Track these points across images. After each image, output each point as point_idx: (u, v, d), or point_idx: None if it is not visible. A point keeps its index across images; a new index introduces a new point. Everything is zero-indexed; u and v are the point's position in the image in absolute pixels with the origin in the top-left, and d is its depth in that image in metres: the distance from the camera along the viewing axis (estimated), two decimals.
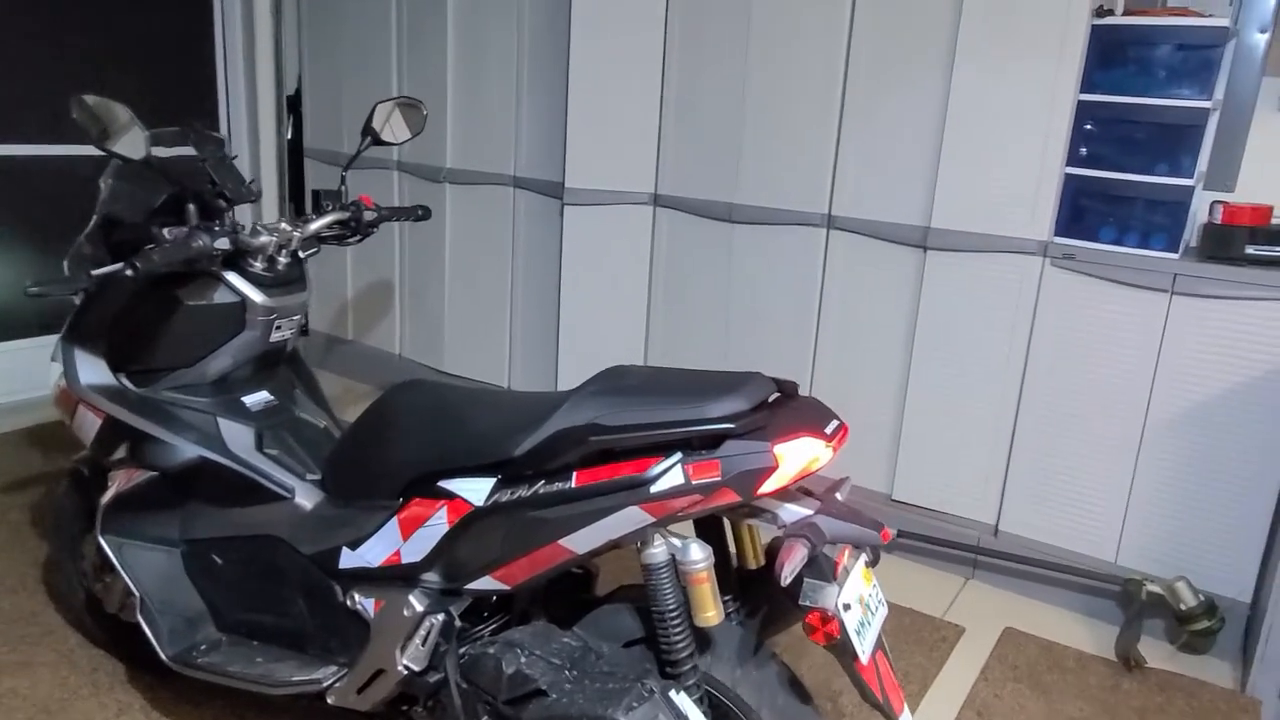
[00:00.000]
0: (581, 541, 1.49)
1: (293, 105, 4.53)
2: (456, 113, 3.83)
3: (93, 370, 1.94)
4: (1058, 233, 2.69)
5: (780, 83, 3.04)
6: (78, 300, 2.00)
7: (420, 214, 2.32)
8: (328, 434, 2.09)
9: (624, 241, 3.47)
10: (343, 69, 4.22)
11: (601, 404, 1.47)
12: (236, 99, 4.47)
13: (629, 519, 1.45)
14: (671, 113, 3.31)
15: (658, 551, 1.46)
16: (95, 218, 2.00)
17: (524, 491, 1.52)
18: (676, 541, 1.46)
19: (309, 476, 1.93)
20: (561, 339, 3.60)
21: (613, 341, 3.56)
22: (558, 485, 1.49)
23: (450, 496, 1.60)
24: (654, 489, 1.42)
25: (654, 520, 1.44)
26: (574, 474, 1.49)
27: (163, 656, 1.89)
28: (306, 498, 1.89)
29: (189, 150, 1.95)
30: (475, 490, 1.57)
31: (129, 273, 1.62)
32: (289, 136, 4.55)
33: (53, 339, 3.65)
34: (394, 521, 1.67)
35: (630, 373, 1.58)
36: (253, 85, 4.43)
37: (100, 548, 1.98)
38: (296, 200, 4.57)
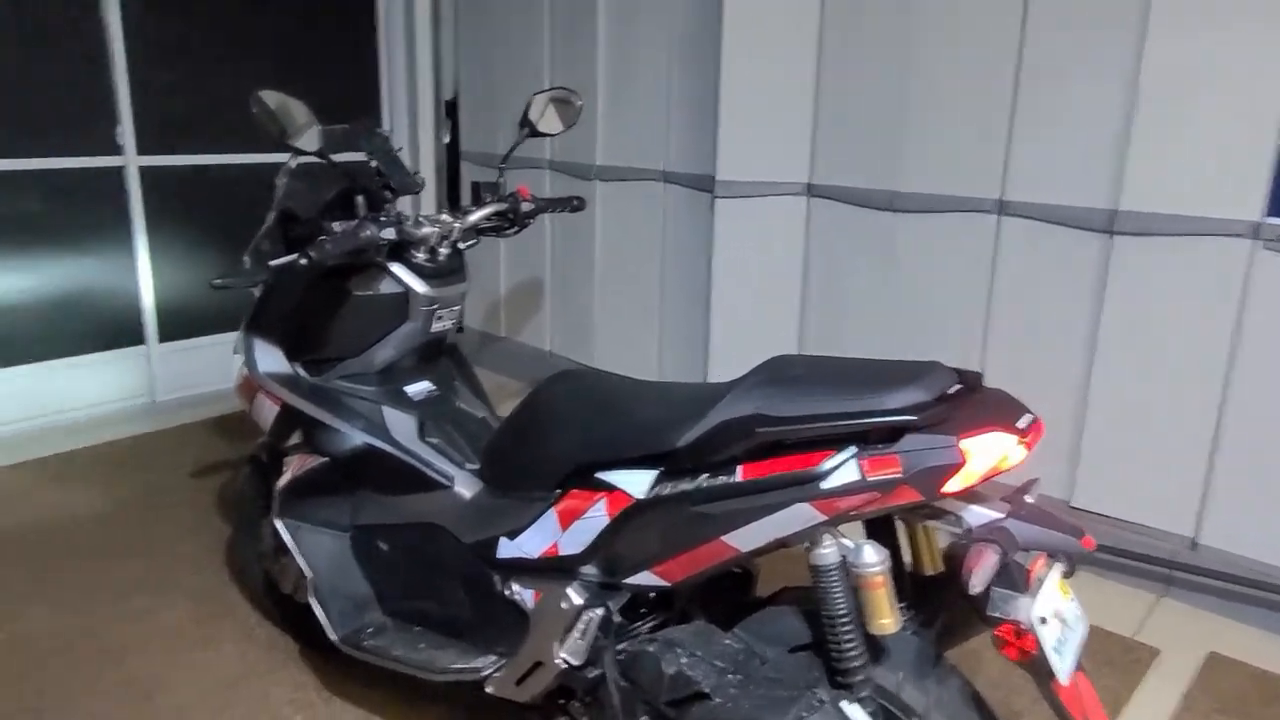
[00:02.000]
0: (746, 539, 1.42)
1: (450, 110, 4.68)
2: (606, 111, 3.83)
3: (271, 359, 2.03)
4: (1270, 213, 2.40)
5: (946, 60, 2.87)
6: (257, 293, 2.09)
7: (575, 204, 2.32)
8: (486, 425, 2.11)
9: (776, 233, 3.37)
10: (497, 74, 4.31)
11: (767, 394, 1.40)
12: (398, 105, 4.65)
13: (797, 516, 1.36)
14: (827, 100, 3.19)
15: (828, 552, 1.36)
16: (272, 214, 2.10)
17: (686, 485, 1.46)
18: (849, 542, 1.36)
19: (468, 466, 1.95)
20: (712, 334, 3.53)
21: (765, 336, 3.46)
22: (722, 479, 1.42)
23: (609, 488, 1.56)
24: (825, 485, 1.33)
25: (824, 519, 1.35)
26: (739, 467, 1.42)
27: (332, 637, 1.95)
28: (466, 487, 1.90)
29: (358, 156, 2.01)
30: (636, 483, 1.52)
31: (303, 262, 1.67)
32: (447, 140, 4.70)
33: (233, 336, 3.92)
34: (552, 513, 1.65)
35: (796, 362, 1.49)
36: (413, 92, 4.60)
37: (276, 530, 2.06)
38: (454, 202, 4.71)
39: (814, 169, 3.28)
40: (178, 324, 4.05)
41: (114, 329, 3.90)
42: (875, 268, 3.16)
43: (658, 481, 1.50)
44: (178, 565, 2.70)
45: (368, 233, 1.76)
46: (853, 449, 1.33)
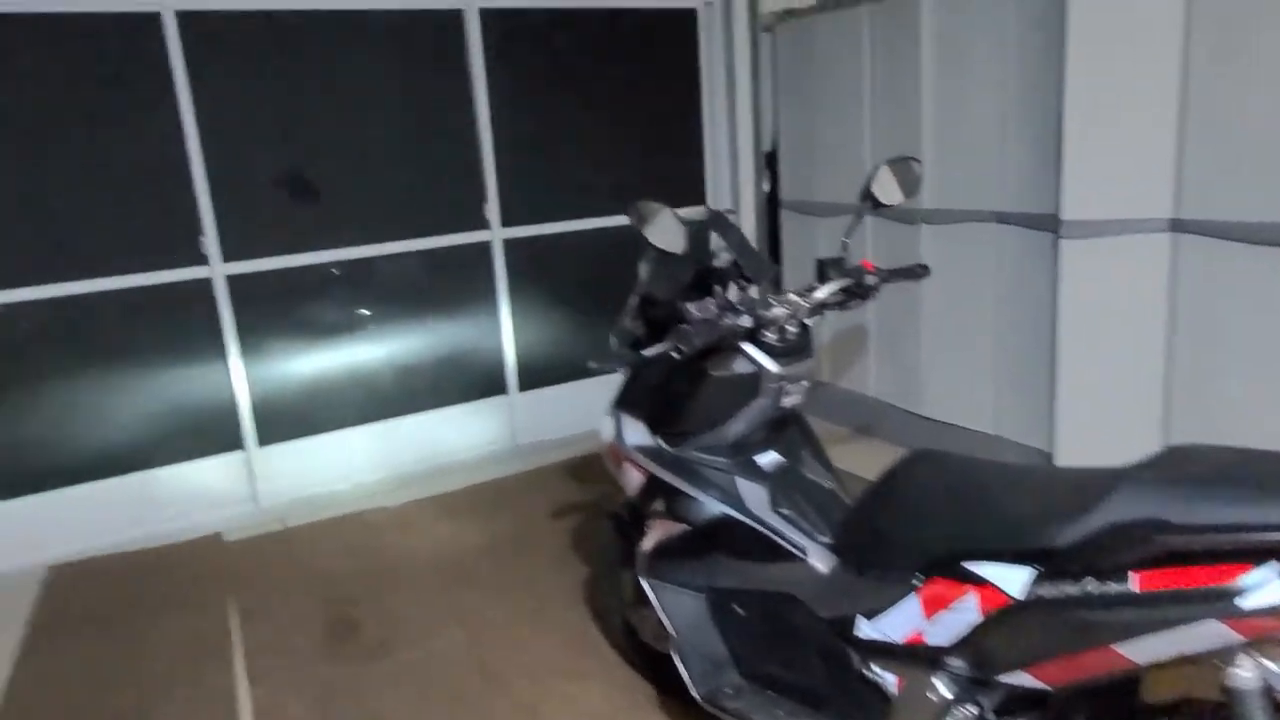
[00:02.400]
0: (1142, 651, 1.32)
1: (769, 161, 4.82)
2: (932, 153, 3.74)
3: (636, 432, 2.23)
4: None
5: None
6: (624, 372, 2.31)
7: (919, 272, 2.29)
8: (834, 496, 2.14)
9: (1134, 277, 3.08)
10: (816, 123, 4.38)
11: (1168, 495, 1.30)
12: (720, 157, 4.88)
13: (1208, 634, 1.25)
14: (1197, 120, 2.86)
15: (1249, 677, 1.24)
16: (634, 298, 2.30)
17: (1071, 589, 1.39)
18: (1275, 667, 1.22)
19: (820, 538, 2.00)
20: (1058, 390, 3.29)
21: (1121, 389, 3.17)
22: (1114, 586, 1.34)
23: (979, 582, 1.53)
24: (1246, 605, 1.21)
25: (1242, 640, 1.23)
26: (1133, 575, 1.33)
27: (694, 694, 2.08)
28: (820, 560, 1.95)
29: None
30: (1010, 580, 1.48)
31: (675, 354, 1.83)
32: (766, 190, 4.84)
33: (579, 384, 4.28)
34: (915, 599, 1.65)
35: (1200, 455, 1.37)
36: (733, 144, 4.80)
37: (638, 584, 2.25)
38: (774, 251, 4.83)
39: (1180, 201, 2.96)
40: (533, 374, 4.55)
41: (483, 381, 4.46)
42: (1269, 320, 2.77)
43: (1036, 581, 1.44)
44: (549, 600, 3.02)
45: (727, 322, 1.88)
46: (1277, 565, 1.20)
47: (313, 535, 3.70)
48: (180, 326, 3.77)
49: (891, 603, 1.70)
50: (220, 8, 3.61)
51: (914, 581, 1.66)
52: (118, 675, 2.77)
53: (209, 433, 3.90)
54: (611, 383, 2.42)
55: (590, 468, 4.09)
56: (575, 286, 4.57)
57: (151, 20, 3.51)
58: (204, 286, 3.77)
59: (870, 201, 2.23)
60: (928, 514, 1.67)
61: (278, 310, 3.95)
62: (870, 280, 2.16)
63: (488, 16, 4.13)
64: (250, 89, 3.76)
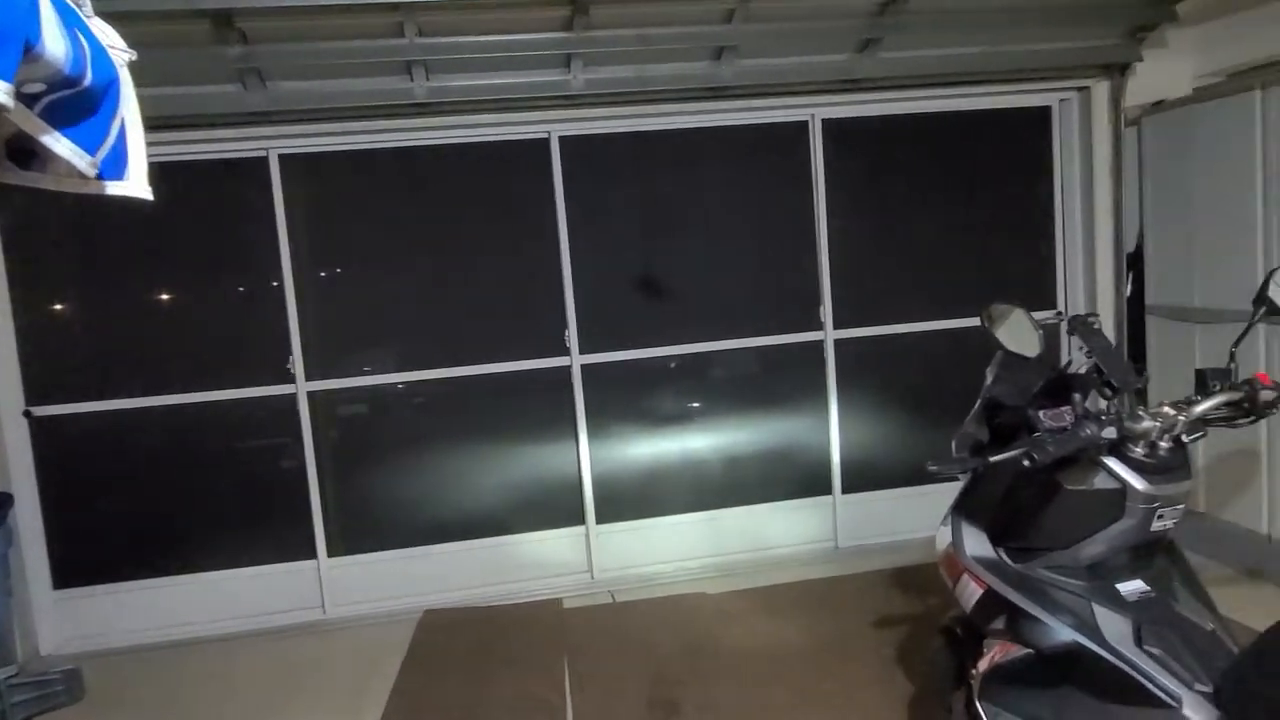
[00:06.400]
0: None
1: (1132, 262, 4.42)
2: None
3: (976, 542, 2.11)
4: None
5: None
6: (963, 477, 2.21)
7: None
8: (1215, 638, 1.86)
9: None
10: (1193, 221, 3.96)
11: None
12: (1075, 259, 4.56)
13: None
14: None
15: None
16: (980, 401, 2.21)
17: None
18: None
19: (1198, 687, 1.74)
20: None
21: None
22: None
23: None
24: None
25: None
26: None
27: None
28: (1198, 713, 1.69)
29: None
30: None
31: (1026, 463, 1.73)
32: (1128, 293, 4.43)
33: (904, 491, 4.15)
34: None
35: None
36: (1090, 245, 4.47)
37: (971, 707, 2.09)
38: (1136, 357, 4.38)
39: None
40: (859, 477, 4.48)
41: (808, 479, 4.48)
42: None
43: None
44: (870, 713, 2.90)
45: (1088, 432, 1.75)
46: None
47: (638, 611, 3.90)
48: (541, 410, 4.25)
49: None
50: (593, 131, 4.14)
51: None
52: (469, 715, 3.10)
53: (557, 508, 4.30)
54: (939, 494, 2.33)
55: (915, 578, 3.90)
56: (905, 391, 4.47)
57: (542, 144, 4.11)
58: (563, 374, 4.22)
59: (1267, 307, 1.97)
60: None
61: (621, 400, 4.30)
62: (1267, 395, 1.90)
63: (830, 125, 4.30)
64: (614, 201, 4.24)
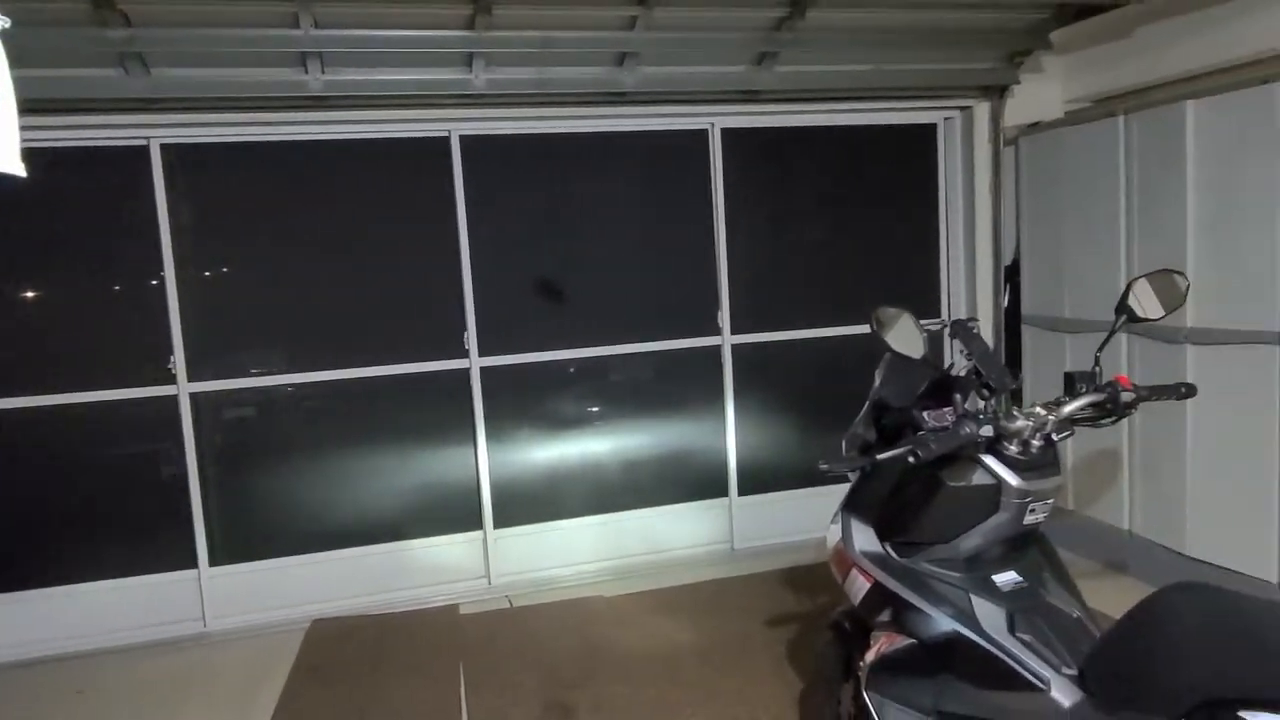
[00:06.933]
0: None
1: (1010, 274, 4.67)
2: (1198, 267, 3.47)
3: (864, 538, 2.19)
4: None
5: None
6: (853, 475, 2.29)
7: (1184, 392, 2.13)
8: (1081, 625, 1.98)
9: None
10: (1064, 237, 4.21)
11: None
12: (956, 270, 4.79)
13: None
14: None
15: None
16: (868, 403, 2.30)
17: None
18: None
19: (1065, 670, 1.85)
20: None
21: None
22: None
23: None
24: None
25: None
26: None
27: None
28: (1064, 694, 1.80)
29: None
30: None
31: (911, 460, 1.81)
32: (1006, 304, 4.67)
33: (798, 493, 4.25)
34: None
35: None
36: (972, 257, 4.70)
37: (858, 698, 2.17)
38: (1012, 362, 4.62)
39: None
40: (755, 479, 4.57)
41: (705, 482, 4.55)
42: None
43: None
44: (760, 709, 2.96)
45: (967, 431, 1.84)
46: None
47: (535, 616, 3.88)
48: (439, 413, 4.18)
49: None
50: (495, 132, 4.11)
51: None
52: None
53: (454, 513, 4.23)
54: (833, 494, 2.40)
55: (808, 578, 4.01)
56: (800, 394, 4.59)
57: (443, 142, 4.05)
58: (462, 376, 4.16)
59: (1126, 315, 2.12)
60: (1195, 653, 1.51)
61: (520, 403, 4.27)
62: (1126, 397, 2.03)
63: (729, 135, 4.39)
64: (514, 203, 4.21)
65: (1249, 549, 3.37)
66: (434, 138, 4.05)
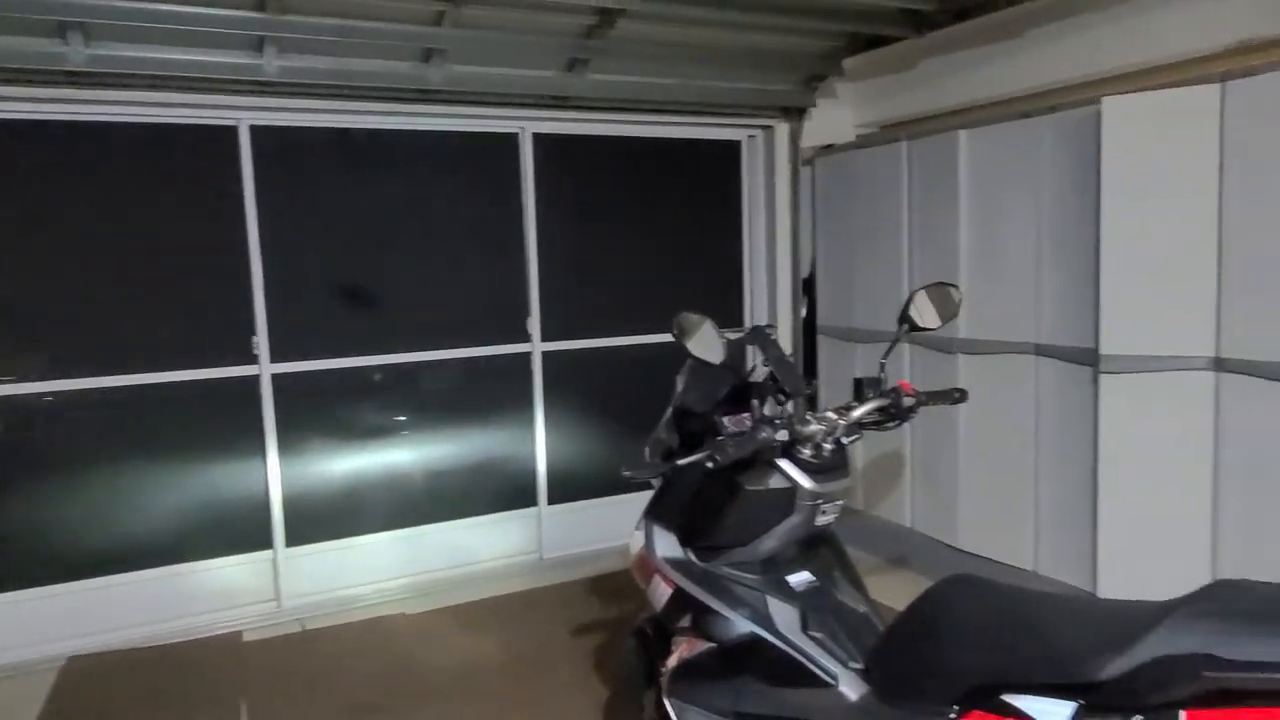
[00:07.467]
0: None
1: (807, 286, 4.91)
2: (970, 283, 3.79)
3: (667, 544, 2.20)
4: None
5: None
6: (656, 482, 2.30)
7: (957, 397, 2.29)
8: (867, 620, 2.08)
9: (1177, 414, 3.04)
10: (855, 252, 4.47)
11: (1215, 629, 1.25)
12: (758, 282, 4.98)
13: None
14: (1236, 268, 2.89)
15: None
16: (670, 409, 2.31)
17: None
18: None
19: (852, 665, 1.93)
20: (1100, 525, 3.21)
21: (1166, 526, 3.08)
22: None
23: (1020, 715, 1.46)
24: None
25: None
26: (1182, 714, 1.26)
27: None
28: (850, 688, 1.87)
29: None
30: (1052, 714, 1.41)
31: (710, 465, 1.82)
32: (804, 314, 4.91)
33: (607, 500, 4.24)
34: None
35: (1249, 590, 1.32)
36: (772, 270, 4.90)
37: (660, 705, 2.17)
38: (809, 371, 4.85)
39: (1221, 340, 2.95)
40: (564, 488, 4.53)
41: (513, 492, 4.46)
42: None
43: (1079, 716, 1.38)
44: (561, 718, 2.91)
45: (763, 435, 1.89)
46: None
47: (331, 639, 3.65)
48: (223, 424, 3.85)
49: None
50: (290, 124, 3.85)
51: (950, 714, 1.59)
52: None
53: (240, 531, 3.91)
54: (641, 500, 2.41)
55: (615, 585, 4.01)
56: (609, 402, 4.60)
57: (229, 132, 3.75)
58: (250, 384, 3.86)
59: (908, 325, 2.25)
60: (965, 643, 1.61)
61: (317, 413, 4.02)
62: (908, 401, 2.16)
63: (541, 140, 4.34)
64: (313, 200, 3.96)
65: (1010, 541, 3.69)
66: (220, 125, 3.74)
